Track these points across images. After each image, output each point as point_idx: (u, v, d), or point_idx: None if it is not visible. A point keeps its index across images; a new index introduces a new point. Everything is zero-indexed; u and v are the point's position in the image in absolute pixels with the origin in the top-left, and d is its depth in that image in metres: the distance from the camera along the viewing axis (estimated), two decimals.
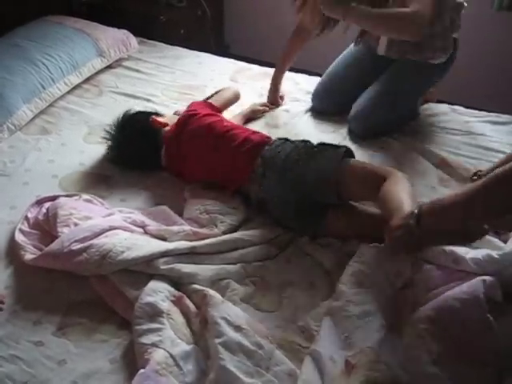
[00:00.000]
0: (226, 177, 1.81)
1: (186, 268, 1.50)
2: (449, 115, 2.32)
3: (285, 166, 1.70)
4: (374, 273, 1.42)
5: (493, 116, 2.31)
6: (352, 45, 2.34)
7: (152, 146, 1.95)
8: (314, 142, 1.81)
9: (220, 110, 2.09)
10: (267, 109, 2.31)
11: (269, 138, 1.85)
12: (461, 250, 1.43)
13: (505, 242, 1.49)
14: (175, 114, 2.12)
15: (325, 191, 1.65)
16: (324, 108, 2.31)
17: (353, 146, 1.95)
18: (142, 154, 1.95)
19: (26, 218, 1.69)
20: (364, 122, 2.14)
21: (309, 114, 2.33)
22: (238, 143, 1.80)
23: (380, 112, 2.13)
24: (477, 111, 2.35)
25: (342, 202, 1.68)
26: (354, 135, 2.16)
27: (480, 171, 1.71)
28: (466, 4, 2.09)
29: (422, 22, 1.85)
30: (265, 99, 2.37)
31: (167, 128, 1.98)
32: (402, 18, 1.86)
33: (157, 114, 2.05)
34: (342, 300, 1.37)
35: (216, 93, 2.19)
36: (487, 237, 1.48)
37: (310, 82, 2.47)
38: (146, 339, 1.32)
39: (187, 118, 1.94)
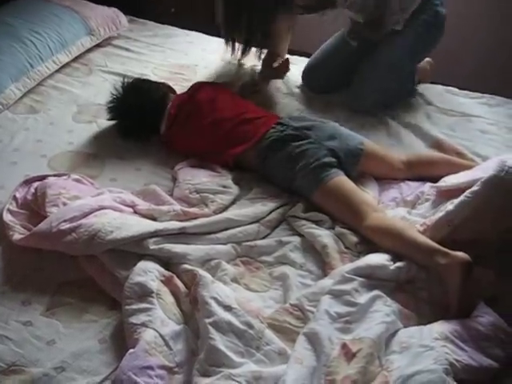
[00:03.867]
0: (232, 138, 1.82)
1: (176, 248, 1.49)
2: (443, 96, 2.30)
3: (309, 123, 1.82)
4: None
5: (487, 97, 2.30)
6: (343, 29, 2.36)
7: (157, 108, 1.98)
8: None
9: None
10: (257, 88, 2.29)
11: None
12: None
13: None
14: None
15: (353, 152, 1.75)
16: (312, 86, 2.32)
17: (347, 126, 1.93)
18: (145, 114, 1.96)
19: (15, 198, 1.67)
20: (364, 97, 2.16)
21: (299, 93, 2.30)
22: (256, 108, 1.92)
23: (379, 83, 2.15)
24: (471, 92, 2.33)
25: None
26: (347, 114, 2.15)
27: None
28: None
29: None
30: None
31: (174, 95, 2.06)
32: None
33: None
34: (348, 286, 1.36)
35: None
36: None
37: (302, 62, 2.43)
38: (136, 319, 1.31)
39: (201, 85, 2.05)
